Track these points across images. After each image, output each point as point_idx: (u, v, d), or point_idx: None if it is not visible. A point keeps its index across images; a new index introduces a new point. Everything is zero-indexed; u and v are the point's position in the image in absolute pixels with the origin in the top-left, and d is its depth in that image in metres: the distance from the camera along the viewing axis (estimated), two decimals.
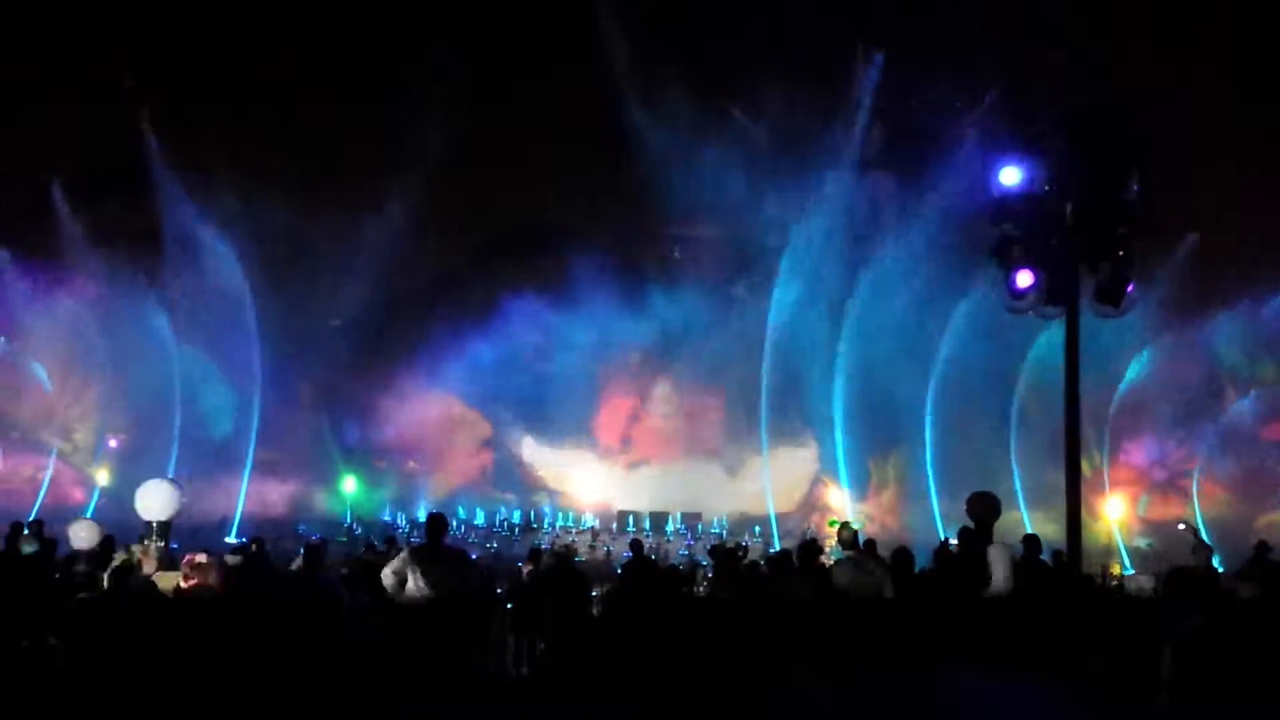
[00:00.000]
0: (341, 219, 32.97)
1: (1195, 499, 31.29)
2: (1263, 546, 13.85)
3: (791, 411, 33.78)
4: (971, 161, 26.65)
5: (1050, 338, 24.04)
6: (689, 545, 29.88)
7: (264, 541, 14.54)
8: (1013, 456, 30.96)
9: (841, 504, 32.84)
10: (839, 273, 33.02)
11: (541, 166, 36.21)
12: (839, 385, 32.80)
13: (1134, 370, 31.98)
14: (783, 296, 33.39)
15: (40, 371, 32.15)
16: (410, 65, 33.73)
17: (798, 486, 34.30)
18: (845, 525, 11.60)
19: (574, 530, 32.58)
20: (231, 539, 26.63)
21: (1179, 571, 9.85)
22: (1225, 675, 7.87)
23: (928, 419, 32.19)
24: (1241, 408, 31.98)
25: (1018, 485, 29.84)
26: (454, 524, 28.84)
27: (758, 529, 31.68)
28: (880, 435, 32.86)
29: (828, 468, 34.08)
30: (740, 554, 14.89)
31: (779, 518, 32.63)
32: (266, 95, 35.01)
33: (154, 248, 32.31)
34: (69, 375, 32.60)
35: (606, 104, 33.67)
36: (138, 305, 32.25)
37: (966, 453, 30.10)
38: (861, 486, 33.36)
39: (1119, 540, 30.48)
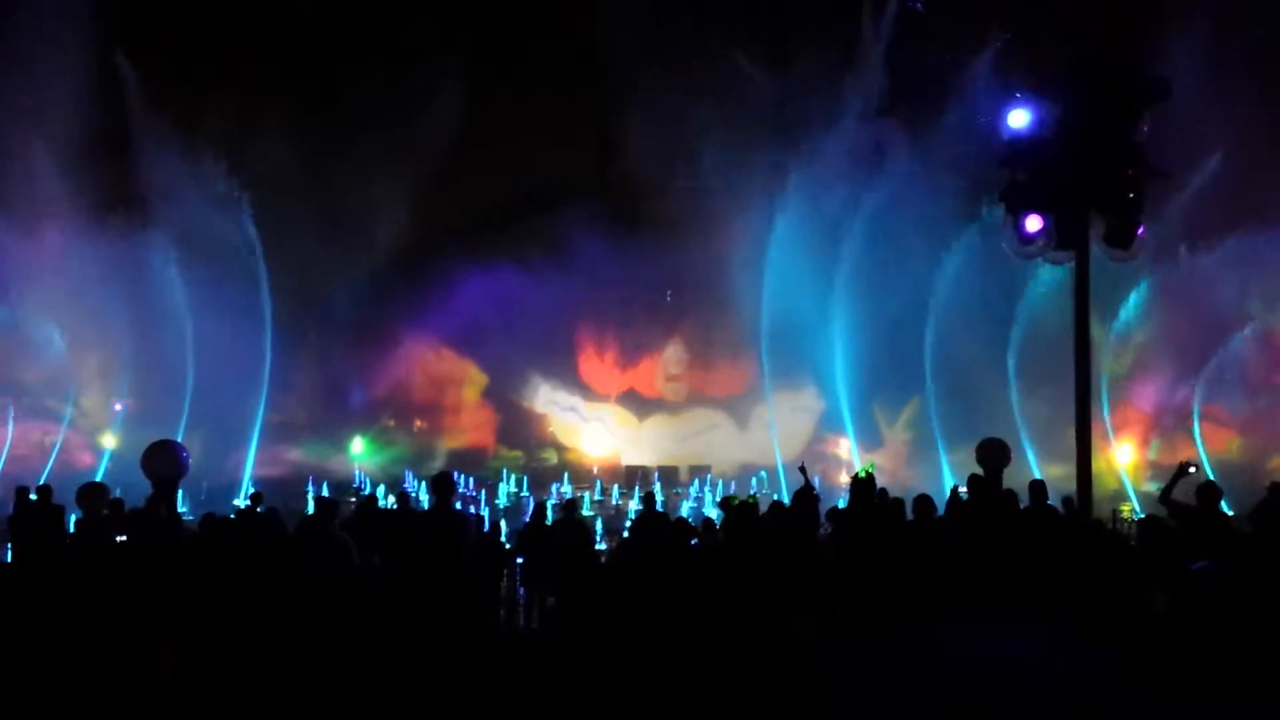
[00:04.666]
0: (346, 178, 32.80)
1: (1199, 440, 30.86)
2: (1275, 489, 13.69)
3: (794, 359, 33.46)
4: (979, 106, 26.27)
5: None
6: (697, 498, 29.93)
7: (263, 496, 14.56)
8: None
9: (847, 456, 32.73)
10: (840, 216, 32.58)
11: (543, 123, 35.95)
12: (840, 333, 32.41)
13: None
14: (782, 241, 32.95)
15: (54, 335, 31.82)
16: (416, 24, 33.52)
17: (800, 435, 34.10)
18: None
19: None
20: (240, 501, 26.65)
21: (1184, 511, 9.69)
22: (1230, 626, 7.65)
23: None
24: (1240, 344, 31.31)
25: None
26: (461, 480, 28.79)
27: (764, 474, 31.51)
28: (886, 384, 32.57)
29: (833, 421, 33.93)
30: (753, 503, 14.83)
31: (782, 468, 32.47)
32: (270, 54, 34.58)
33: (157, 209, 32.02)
34: (78, 339, 32.33)
35: (606, 56, 33.25)
36: (146, 267, 31.96)
37: (973, 400, 29.78)
38: (869, 437, 33.14)
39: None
